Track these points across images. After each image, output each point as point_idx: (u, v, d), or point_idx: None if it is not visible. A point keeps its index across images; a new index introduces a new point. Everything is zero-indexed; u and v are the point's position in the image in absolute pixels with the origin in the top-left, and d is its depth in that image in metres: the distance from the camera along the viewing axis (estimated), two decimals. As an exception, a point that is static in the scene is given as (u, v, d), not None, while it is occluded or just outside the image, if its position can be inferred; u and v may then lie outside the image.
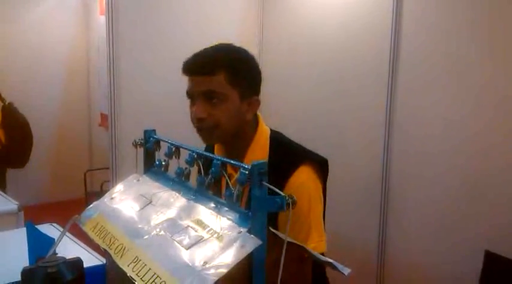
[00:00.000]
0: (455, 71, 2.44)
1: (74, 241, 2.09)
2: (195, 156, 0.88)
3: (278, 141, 1.39)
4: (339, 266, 0.81)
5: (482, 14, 2.32)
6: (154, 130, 1.05)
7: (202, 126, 1.29)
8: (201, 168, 0.86)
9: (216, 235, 0.72)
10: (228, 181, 0.78)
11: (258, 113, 1.41)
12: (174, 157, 0.95)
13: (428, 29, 2.54)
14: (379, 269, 2.80)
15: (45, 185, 5.09)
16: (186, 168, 0.92)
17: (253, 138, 1.36)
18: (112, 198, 1.01)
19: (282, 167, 1.28)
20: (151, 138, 1.03)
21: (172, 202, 0.87)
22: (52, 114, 5.17)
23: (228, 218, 0.75)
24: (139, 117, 2.90)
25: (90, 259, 1.81)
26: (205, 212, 0.79)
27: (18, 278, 1.27)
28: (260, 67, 1.38)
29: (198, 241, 0.73)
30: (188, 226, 0.77)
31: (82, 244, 2.05)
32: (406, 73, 2.63)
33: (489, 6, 2.29)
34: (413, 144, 2.64)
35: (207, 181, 0.84)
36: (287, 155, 1.35)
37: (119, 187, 1.03)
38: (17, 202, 2.69)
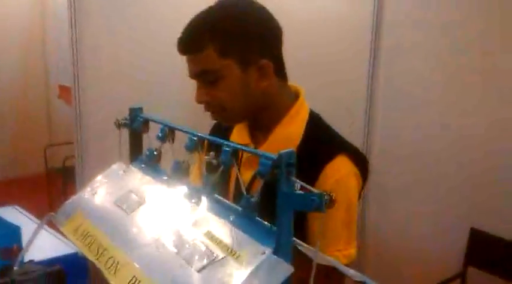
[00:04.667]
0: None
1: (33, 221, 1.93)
2: (196, 140, 0.75)
3: (317, 122, 1.21)
4: None
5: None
6: (141, 108, 0.90)
7: (209, 110, 1.13)
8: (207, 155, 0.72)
9: (232, 255, 0.59)
10: (242, 182, 0.64)
11: (301, 87, 1.22)
12: (168, 141, 0.81)
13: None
14: (360, 250, 2.75)
15: (3, 161, 4.84)
16: (183, 162, 0.77)
17: (289, 110, 1.18)
18: (94, 193, 0.85)
19: (318, 151, 1.12)
20: (138, 118, 0.88)
21: (171, 205, 0.73)
22: (7, 86, 4.90)
23: (246, 232, 0.61)
24: (106, 88, 2.71)
25: (58, 245, 1.67)
26: (215, 222, 0.65)
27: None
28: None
29: (211, 261, 0.59)
30: (196, 239, 0.64)
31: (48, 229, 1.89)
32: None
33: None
34: (396, 119, 2.57)
35: (215, 178, 0.70)
36: (325, 139, 1.17)
37: (101, 180, 0.87)
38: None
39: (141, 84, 2.75)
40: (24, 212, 1.98)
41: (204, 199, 0.71)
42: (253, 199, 0.63)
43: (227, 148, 0.68)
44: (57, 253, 1.59)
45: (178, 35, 1.11)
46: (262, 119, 1.18)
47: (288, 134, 1.16)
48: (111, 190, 0.83)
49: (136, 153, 0.90)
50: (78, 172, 2.73)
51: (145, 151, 0.86)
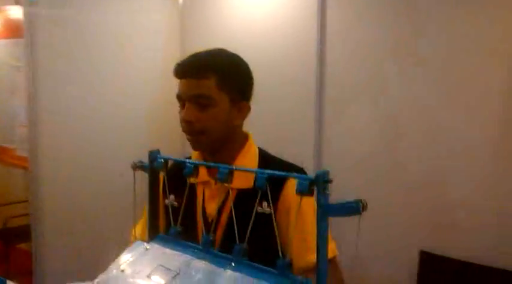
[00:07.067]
0: (379, 85, 2.61)
1: None
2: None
3: (266, 154, 1.43)
4: None
5: (406, 29, 2.52)
6: (158, 150, 0.99)
7: (190, 130, 1.30)
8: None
9: None
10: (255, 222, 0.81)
11: (248, 131, 1.43)
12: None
13: (352, 42, 2.73)
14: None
15: None
16: (212, 234, 0.85)
17: (243, 147, 1.39)
18: (122, 270, 0.87)
19: (273, 178, 1.28)
20: (158, 159, 0.97)
21: (208, 274, 0.78)
22: None
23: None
24: (61, 153, 2.80)
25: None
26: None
27: None
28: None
29: None
30: None
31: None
32: (333, 87, 2.79)
33: (413, 23, 2.49)
34: (344, 148, 2.77)
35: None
36: (277, 164, 1.38)
37: (126, 258, 0.90)
38: None
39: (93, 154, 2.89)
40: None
41: (234, 264, 0.78)
42: (287, 260, 0.73)
43: (262, 174, 0.80)
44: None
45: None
46: (221, 156, 1.35)
47: (246, 167, 1.34)
48: (140, 267, 0.85)
49: (155, 190, 0.99)
50: (34, 231, 2.72)
51: (171, 229, 0.91)
